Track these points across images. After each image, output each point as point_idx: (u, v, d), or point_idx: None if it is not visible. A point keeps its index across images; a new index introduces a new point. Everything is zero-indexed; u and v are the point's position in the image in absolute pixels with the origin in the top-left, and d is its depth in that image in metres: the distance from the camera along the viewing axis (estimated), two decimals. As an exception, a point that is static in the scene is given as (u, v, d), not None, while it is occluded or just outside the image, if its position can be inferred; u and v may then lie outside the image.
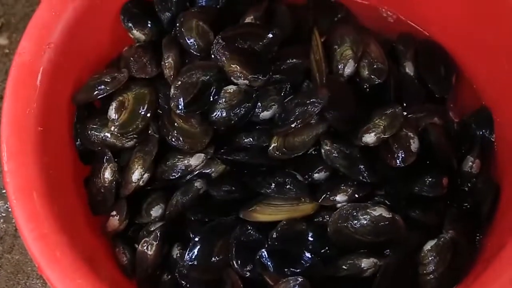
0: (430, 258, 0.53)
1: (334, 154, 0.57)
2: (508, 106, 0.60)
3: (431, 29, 0.68)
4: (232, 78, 0.58)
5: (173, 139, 0.57)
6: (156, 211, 0.58)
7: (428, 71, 0.65)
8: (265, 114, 0.59)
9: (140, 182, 0.58)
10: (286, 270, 0.53)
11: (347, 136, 0.58)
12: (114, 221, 0.57)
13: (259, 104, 0.59)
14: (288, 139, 0.58)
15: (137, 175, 0.57)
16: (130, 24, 0.63)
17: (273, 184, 0.56)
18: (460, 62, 0.66)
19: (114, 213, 0.57)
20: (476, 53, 0.64)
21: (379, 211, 0.54)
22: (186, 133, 0.57)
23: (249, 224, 0.56)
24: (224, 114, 0.58)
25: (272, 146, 0.58)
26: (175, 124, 0.58)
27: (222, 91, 0.58)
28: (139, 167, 0.57)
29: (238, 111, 0.58)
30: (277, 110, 0.59)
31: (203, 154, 0.58)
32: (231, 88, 0.58)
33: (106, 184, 0.58)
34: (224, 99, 0.58)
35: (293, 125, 0.56)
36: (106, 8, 0.62)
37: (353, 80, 0.61)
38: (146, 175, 0.58)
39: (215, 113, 0.58)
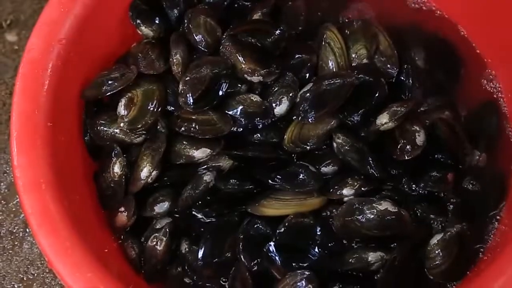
0: (436, 252, 0.54)
1: (346, 147, 0.57)
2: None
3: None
4: (245, 75, 0.59)
5: (192, 129, 0.57)
6: (160, 207, 0.58)
7: (437, 64, 0.65)
8: (279, 109, 0.59)
9: (149, 180, 0.58)
10: (293, 263, 0.54)
11: (360, 129, 0.58)
12: (123, 217, 0.57)
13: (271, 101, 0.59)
14: (303, 131, 0.58)
15: (146, 172, 0.57)
16: (138, 21, 0.63)
17: (285, 177, 0.57)
18: (480, 52, 0.66)
19: (122, 209, 0.58)
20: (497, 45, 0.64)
21: (385, 205, 0.54)
22: (205, 123, 0.58)
23: (257, 218, 0.56)
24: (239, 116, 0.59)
25: (286, 137, 0.58)
26: (192, 118, 0.58)
27: (241, 97, 0.59)
28: (147, 164, 0.57)
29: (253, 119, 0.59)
30: (289, 102, 0.59)
31: (209, 150, 0.58)
32: (253, 97, 0.59)
33: (116, 179, 0.58)
34: (241, 105, 0.59)
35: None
36: (114, 4, 0.63)
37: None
38: (154, 173, 0.58)
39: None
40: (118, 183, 0.58)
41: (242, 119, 0.58)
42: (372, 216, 0.54)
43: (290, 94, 0.59)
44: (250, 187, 0.58)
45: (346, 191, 0.56)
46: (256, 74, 0.59)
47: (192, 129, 0.57)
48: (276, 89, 0.59)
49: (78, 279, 0.48)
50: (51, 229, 0.50)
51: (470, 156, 0.59)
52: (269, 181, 0.57)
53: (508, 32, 0.62)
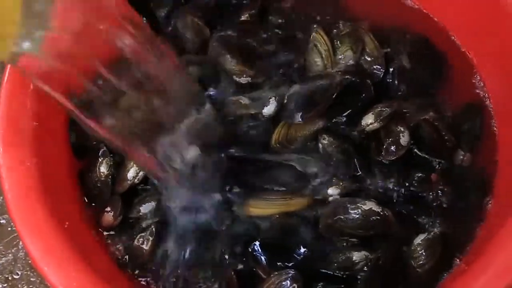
0: (420, 252, 0.54)
1: (331, 148, 0.57)
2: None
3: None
4: (234, 76, 0.59)
5: None
6: (145, 208, 0.58)
7: (423, 65, 0.65)
8: (267, 110, 0.59)
9: (135, 180, 0.58)
10: (278, 263, 0.54)
11: (346, 130, 0.59)
12: (109, 217, 0.57)
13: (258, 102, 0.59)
14: (290, 132, 0.58)
15: (132, 172, 0.57)
16: (125, 21, 0.63)
17: (271, 177, 0.57)
18: (466, 53, 0.66)
19: (108, 209, 0.58)
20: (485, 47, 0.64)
21: (369, 205, 0.54)
22: None
23: (243, 218, 0.56)
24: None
25: (273, 137, 0.58)
26: None
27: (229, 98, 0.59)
28: (134, 164, 0.58)
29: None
30: (277, 103, 0.59)
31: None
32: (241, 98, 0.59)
33: (103, 178, 0.58)
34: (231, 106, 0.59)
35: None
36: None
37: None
38: (141, 173, 0.58)
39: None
40: (104, 183, 0.58)
41: (230, 120, 0.59)
42: (356, 216, 0.54)
43: (278, 95, 0.59)
44: (235, 188, 0.58)
45: (331, 191, 0.56)
46: (244, 75, 0.59)
47: None
48: (264, 90, 0.60)
49: (63, 279, 0.48)
50: (35, 228, 0.50)
51: (455, 156, 0.60)
52: (256, 181, 0.57)
53: (495, 33, 0.62)
